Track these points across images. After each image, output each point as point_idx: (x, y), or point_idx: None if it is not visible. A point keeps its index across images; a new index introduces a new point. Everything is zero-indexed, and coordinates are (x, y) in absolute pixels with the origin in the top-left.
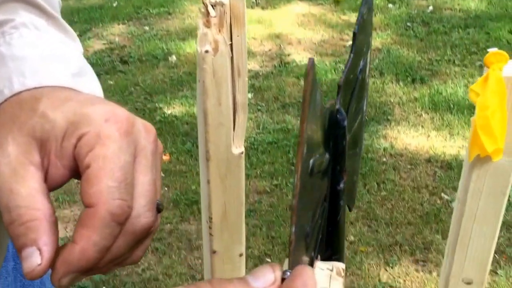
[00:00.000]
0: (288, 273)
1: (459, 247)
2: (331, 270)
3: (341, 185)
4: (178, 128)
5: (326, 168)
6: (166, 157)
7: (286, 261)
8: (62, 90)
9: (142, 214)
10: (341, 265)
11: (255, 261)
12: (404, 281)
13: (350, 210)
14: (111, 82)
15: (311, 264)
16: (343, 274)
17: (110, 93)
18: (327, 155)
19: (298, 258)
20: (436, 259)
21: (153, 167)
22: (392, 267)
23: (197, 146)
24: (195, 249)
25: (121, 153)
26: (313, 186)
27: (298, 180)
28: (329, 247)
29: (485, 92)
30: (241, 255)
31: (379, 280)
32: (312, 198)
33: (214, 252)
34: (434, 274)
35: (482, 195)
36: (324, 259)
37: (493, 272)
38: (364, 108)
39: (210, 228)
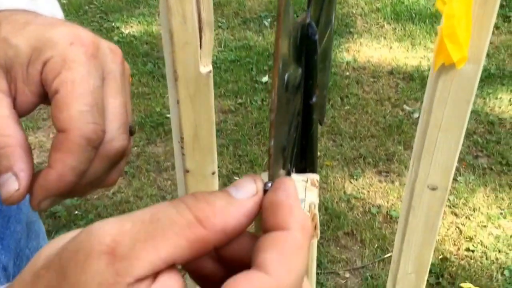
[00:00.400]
0: (269, 185)
1: (424, 155)
2: (306, 182)
3: (314, 99)
4: (138, 49)
5: (299, 83)
6: None
7: (263, 175)
8: (21, 13)
9: (116, 137)
10: (315, 176)
11: (223, 180)
12: (368, 192)
13: (321, 124)
14: (64, 1)
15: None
16: (317, 184)
17: (63, 13)
18: (299, 70)
19: (277, 171)
20: (398, 170)
21: (123, 89)
22: (356, 179)
23: (158, 67)
24: (163, 170)
25: (90, 77)
26: (288, 101)
27: (276, 95)
28: (303, 160)
29: (451, 0)
30: (213, 173)
31: (344, 192)
32: (288, 113)
33: (187, 171)
34: (397, 183)
35: (448, 103)
36: (299, 171)
37: (454, 179)
38: (333, 21)
39: (182, 148)
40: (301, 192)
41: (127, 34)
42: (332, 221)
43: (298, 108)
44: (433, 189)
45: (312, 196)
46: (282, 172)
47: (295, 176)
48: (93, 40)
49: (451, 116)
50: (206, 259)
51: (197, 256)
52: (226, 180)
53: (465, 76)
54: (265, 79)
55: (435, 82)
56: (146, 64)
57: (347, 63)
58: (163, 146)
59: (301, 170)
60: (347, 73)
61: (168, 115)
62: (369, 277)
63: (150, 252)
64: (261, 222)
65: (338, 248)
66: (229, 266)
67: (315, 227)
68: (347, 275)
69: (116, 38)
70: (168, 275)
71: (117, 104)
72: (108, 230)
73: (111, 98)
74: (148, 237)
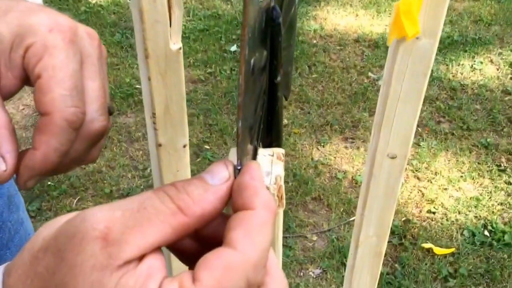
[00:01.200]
0: (239, 168)
1: (384, 126)
2: (272, 156)
3: (278, 79)
4: (106, 19)
5: (264, 64)
6: None
7: (231, 151)
8: (3, 0)
9: (95, 118)
10: (280, 150)
11: (194, 149)
12: (335, 158)
13: (286, 99)
14: None
15: (255, 152)
16: (283, 158)
17: None
18: (265, 52)
19: (245, 148)
20: (364, 136)
21: (100, 72)
22: (323, 146)
23: (126, 37)
24: (135, 141)
25: (69, 62)
26: (255, 83)
27: (243, 81)
28: (269, 135)
29: None
30: (185, 146)
31: (312, 159)
32: (254, 94)
33: (159, 145)
34: (362, 149)
35: (406, 76)
36: (266, 146)
37: (417, 144)
38: (297, 0)
39: (154, 123)
40: (268, 165)
41: (94, 4)
42: (300, 187)
43: (264, 87)
44: (393, 157)
45: (278, 169)
46: (250, 147)
47: (261, 150)
48: (71, 25)
49: (409, 89)
50: (186, 239)
51: (179, 239)
52: (197, 149)
53: (422, 50)
54: (233, 48)
55: (394, 56)
56: (114, 34)
57: (314, 31)
58: (133, 117)
59: (268, 144)
60: (315, 41)
61: (138, 86)
62: (335, 239)
63: (138, 237)
64: (231, 203)
65: (306, 213)
66: (206, 243)
67: (281, 197)
68: (315, 238)
69: (83, 8)
70: (153, 257)
71: (95, 86)
72: (101, 217)
73: (90, 81)
74: (136, 224)
